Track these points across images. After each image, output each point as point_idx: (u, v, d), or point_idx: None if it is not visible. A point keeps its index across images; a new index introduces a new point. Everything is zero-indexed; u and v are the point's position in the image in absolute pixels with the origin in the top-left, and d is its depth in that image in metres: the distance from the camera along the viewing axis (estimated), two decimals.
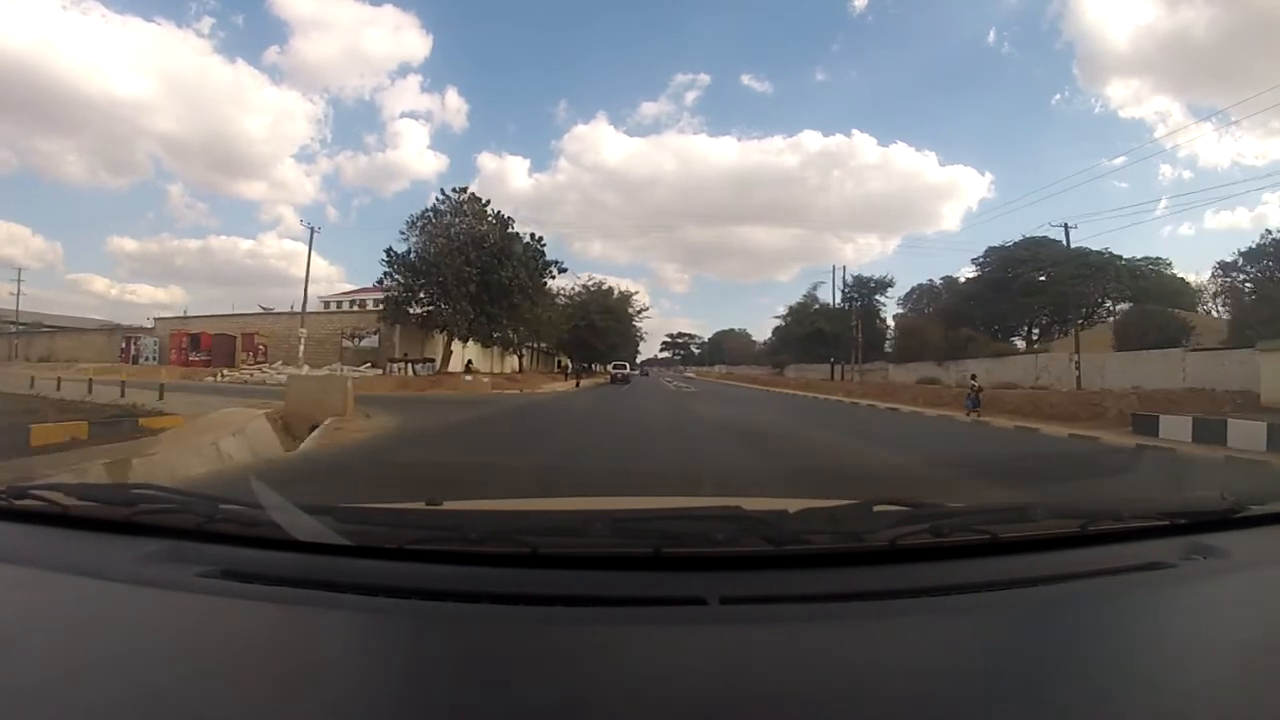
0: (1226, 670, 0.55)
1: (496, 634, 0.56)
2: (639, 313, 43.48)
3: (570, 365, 40.85)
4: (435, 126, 64.60)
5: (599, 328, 38.12)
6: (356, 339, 22.96)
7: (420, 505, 0.89)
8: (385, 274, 21.53)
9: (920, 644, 0.57)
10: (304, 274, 27.92)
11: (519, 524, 0.74)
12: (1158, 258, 29.29)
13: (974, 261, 32.34)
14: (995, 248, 31.10)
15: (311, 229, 21.73)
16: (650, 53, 76.07)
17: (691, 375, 52.16)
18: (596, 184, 73.82)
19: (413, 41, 65.02)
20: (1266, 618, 0.65)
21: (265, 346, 21.75)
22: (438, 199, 22.38)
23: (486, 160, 70.19)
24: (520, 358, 29.52)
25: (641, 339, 49.71)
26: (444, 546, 0.68)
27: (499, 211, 22.83)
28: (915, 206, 65.97)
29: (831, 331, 40.59)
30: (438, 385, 16.37)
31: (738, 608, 0.61)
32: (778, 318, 51.06)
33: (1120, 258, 28.21)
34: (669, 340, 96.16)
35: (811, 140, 72.87)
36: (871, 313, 36.26)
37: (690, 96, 73.77)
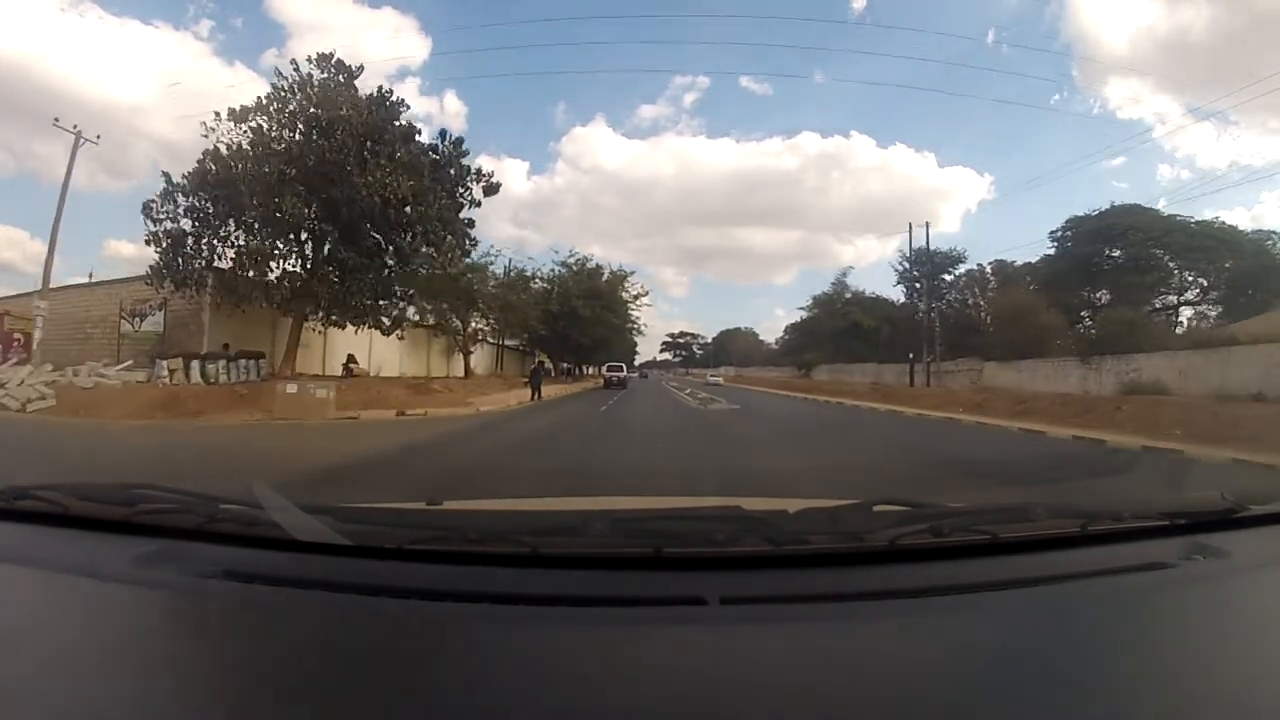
0: (1227, 670, 0.69)
1: (497, 634, 0.70)
2: (635, 299, 39.91)
3: (547, 365, 36.83)
4: (433, 129, 76.19)
5: (583, 317, 34.98)
6: (138, 319, 16.83)
7: (420, 505, 1.10)
8: (165, 192, 13.99)
9: (920, 644, 0.71)
10: None
11: (519, 524, 0.94)
12: (1271, 230, 28.91)
13: (1052, 236, 31.21)
14: (1080, 217, 30.18)
15: (78, 134, 15.56)
16: (649, 54, 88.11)
17: (718, 379, 45.68)
18: (595, 186, 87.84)
19: (411, 44, 76.35)
20: (1266, 618, 0.82)
21: (23, 336, 16.03)
22: (278, 77, 14.81)
23: (485, 163, 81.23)
24: (467, 355, 26.39)
25: (639, 332, 46.41)
26: (444, 546, 0.85)
27: (381, 88, 15.38)
28: (915, 207, 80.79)
29: (871, 325, 40.11)
30: (243, 403, 11.69)
31: (738, 608, 0.77)
32: (801, 309, 51.54)
33: (1239, 229, 27.54)
34: (669, 340, 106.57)
35: (810, 142, 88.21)
36: (938, 295, 33.33)
37: (689, 98, 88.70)
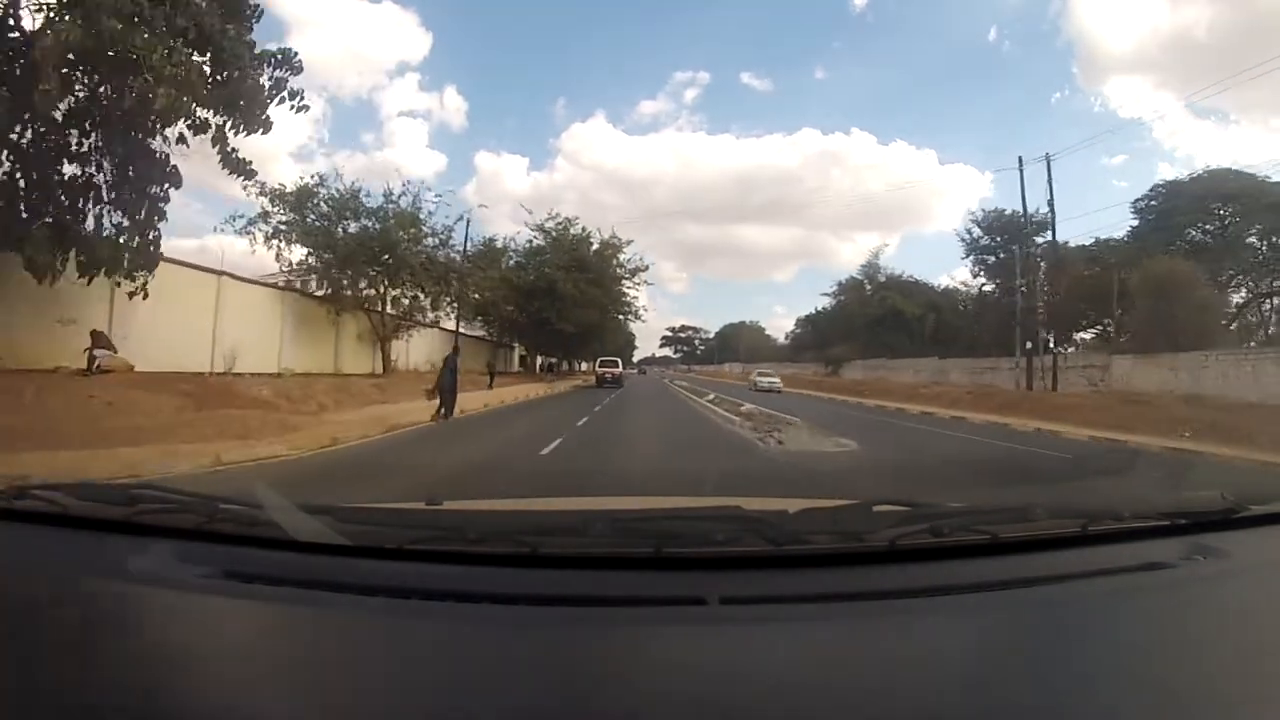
0: (1227, 670, 0.78)
1: (497, 634, 0.80)
2: (633, 275, 36.47)
3: (526, 358, 34.58)
4: (433, 125, 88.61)
5: (564, 294, 31.84)
6: None
7: (420, 505, 1.24)
8: None
9: (920, 644, 0.81)
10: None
11: (519, 524, 1.07)
12: None
13: (1135, 207, 29.15)
14: (1174, 182, 28.59)
15: None
16: (649, 50, 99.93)
17: (774, 382, 33.86)
18: (595, 183, 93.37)
19: (411, 40, 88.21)
20: (1266, 618, 0.93)
21: None
22: None
23: (484, 159, 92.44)
24: (385, 343, 22.20)
25: (637, 317, 41.39)
26: (444, 546, 0.96)
27: None
28: (914, 205, 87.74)
29: (915, 313, 38.12)
30: None
31: (738, 608, 0.87)
32: (826, 294, 50.73)
33: None
34: (670, 334, 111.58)
35: (811, 139, 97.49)
36: (1030, 270, 27.84)
37: (689, 95, 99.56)
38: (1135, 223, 29.97)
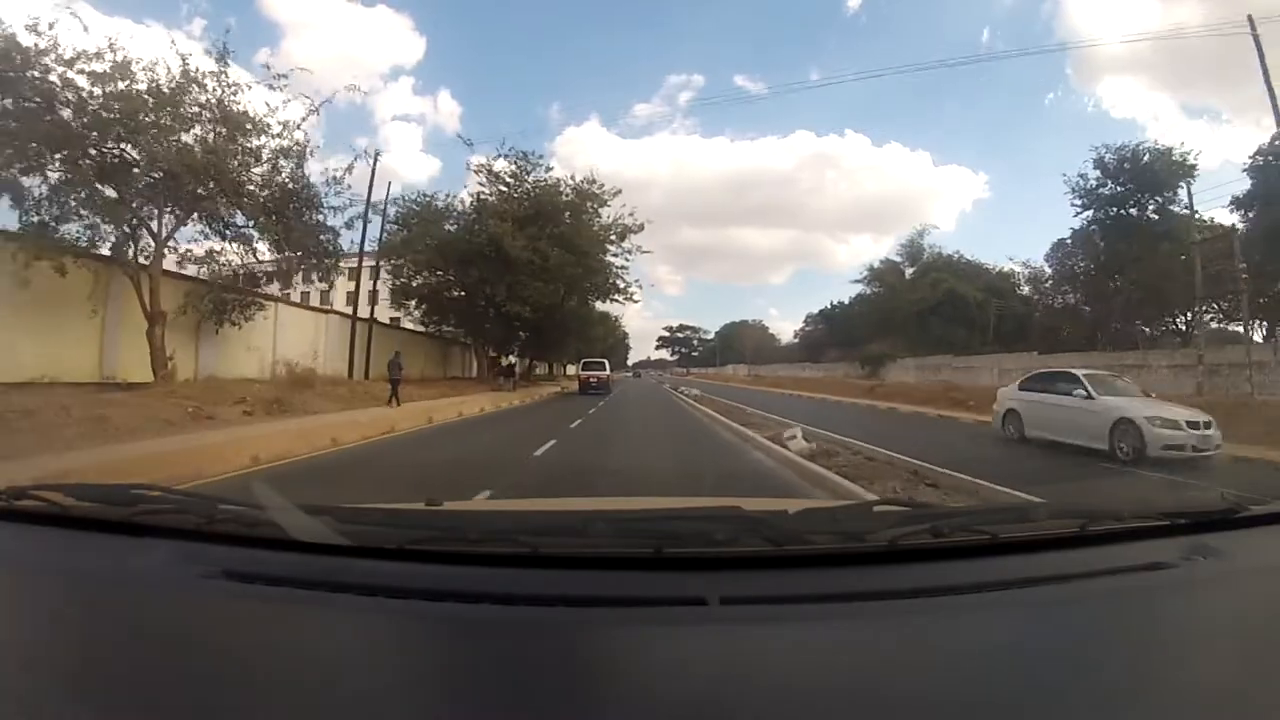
0: (1227, 670, 0.81)
1: (497, 634, 0.83)
2: (622, 237, 26.11)
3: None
4: (427, 129, 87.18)
5: (514, 261, 22.20)
6: None
7: (420, 505, 1.30)
8: None
9: (920, 644, 0.84)
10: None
11: (519, 524, 1.13)
12: None
13: (1252, 165, 23.22)
14: None
15: None
16: (643, 54, 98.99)
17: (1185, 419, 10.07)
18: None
19: (406, 44, 75.69)
20: (1266, 618, 0.97)
21: None
22: None
23: (480, 162, 68.43)
24: (155, 328, 13.29)
25: (629, 296, 29.97)
26: (444, 547, 1.01)
27: None
28: (909, 206, 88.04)
29: (979, 298, 32.10)
30: None
31: (738, 608, 0.90)
32: (857, 281, 45.64)
33: None
34: (667, 335, 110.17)
35: (805, 141, 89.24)
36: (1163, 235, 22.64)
37: (684, 98, 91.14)
38: (1246, 185, 23.70)
